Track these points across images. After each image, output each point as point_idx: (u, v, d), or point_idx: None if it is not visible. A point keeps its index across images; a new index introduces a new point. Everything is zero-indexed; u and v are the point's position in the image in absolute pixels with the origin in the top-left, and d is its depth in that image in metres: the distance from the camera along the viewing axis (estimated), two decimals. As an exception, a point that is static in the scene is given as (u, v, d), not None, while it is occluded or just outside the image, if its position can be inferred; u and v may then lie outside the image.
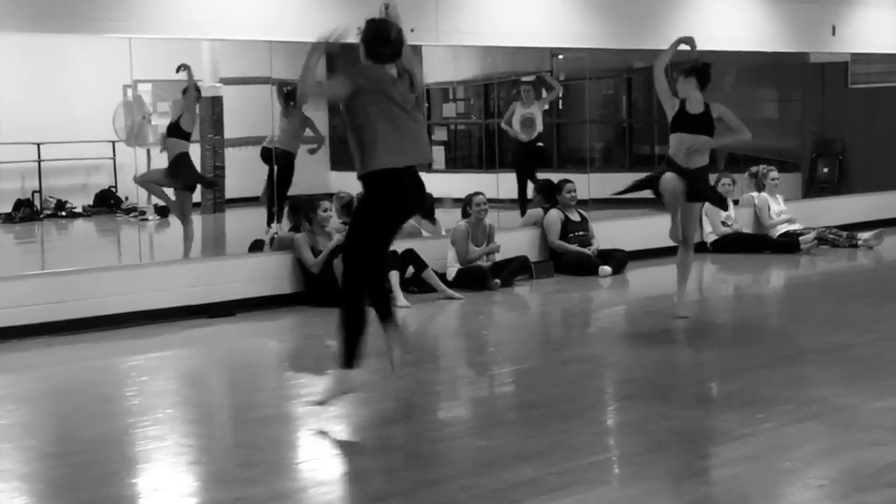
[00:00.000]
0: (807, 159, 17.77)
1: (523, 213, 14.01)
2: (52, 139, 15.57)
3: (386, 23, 6.83)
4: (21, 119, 15.10)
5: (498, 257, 12.11)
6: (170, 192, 12.43)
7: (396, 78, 6.79)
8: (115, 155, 15.96)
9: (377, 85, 6.73)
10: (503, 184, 14.24)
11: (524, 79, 15.28)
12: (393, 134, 6.69)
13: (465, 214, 12.05)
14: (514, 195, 14.49)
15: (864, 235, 14.53)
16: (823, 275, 13.11)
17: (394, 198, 6.73)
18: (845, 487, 5.44)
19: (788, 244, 14.01)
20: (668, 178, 9.47)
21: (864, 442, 6.10)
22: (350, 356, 6.80)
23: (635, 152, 17.99)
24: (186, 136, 12.25)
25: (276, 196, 12.98)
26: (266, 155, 13.19)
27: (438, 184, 15.78)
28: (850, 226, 15.17)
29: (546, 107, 15.47)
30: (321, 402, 6.85)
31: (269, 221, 12.88)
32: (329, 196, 12.00)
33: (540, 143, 14.90)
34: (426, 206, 12.54)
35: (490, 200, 12.31)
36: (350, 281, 6.83)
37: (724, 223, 14.20)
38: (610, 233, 13.35)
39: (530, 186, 14.47)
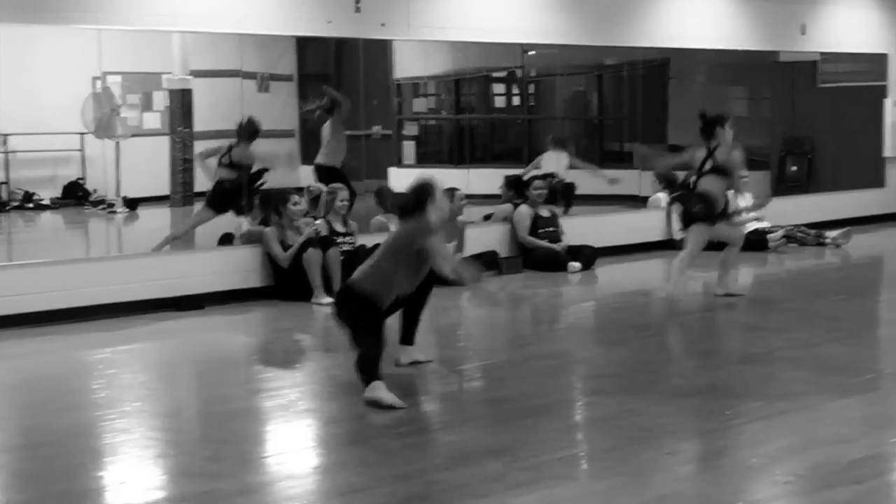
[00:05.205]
0: (776, 157, 17.85)
1: None
2: (20, 130, 15.49)
3: None
4: (-11, 110, 15.02)
5: (467, 252, 12.10)
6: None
7: None
8: (83, 147, 15.89)
9: None
10: (473, 179, 14.25)
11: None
12: None
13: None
14: (484, 191, 14.46)
15: (831, 234, 14.61)
16: (791, 273, 13.17)
17: None
18: (812, 484, 5.47)
19: (756, 242, 14.04)
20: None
21: (830, 439, 6.14)
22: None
23: (606, 148, 18.03)
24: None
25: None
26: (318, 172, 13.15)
27: (409, 179, 15.81)
28: (818, 224, 15.24)
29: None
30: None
31: None
32: (299, 190, 11.97)
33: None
34: (391, 201, 12.54)
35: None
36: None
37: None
38: (579, 229, 13.37)
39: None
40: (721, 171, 10.25)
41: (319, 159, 13.30)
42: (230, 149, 12.09)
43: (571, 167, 14.94)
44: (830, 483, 5.42)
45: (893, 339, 9.52)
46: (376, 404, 6.84)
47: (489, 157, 17.70)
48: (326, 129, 13.58)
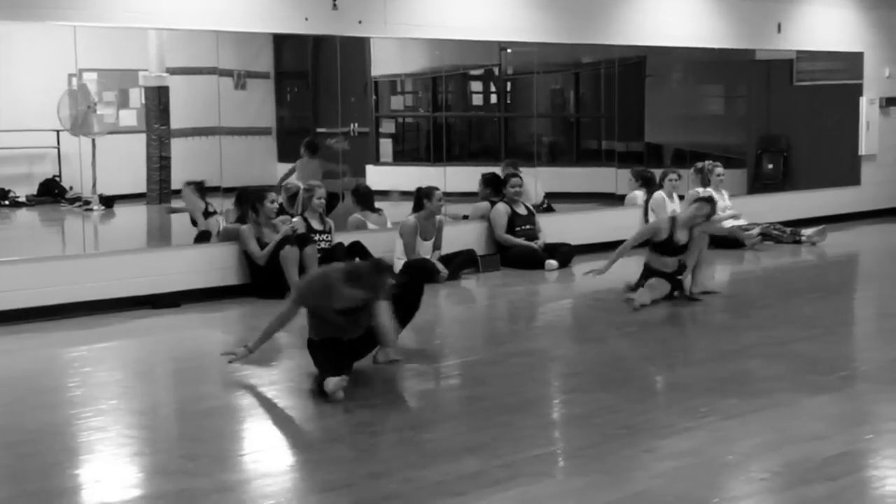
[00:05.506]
0: (752, 155, 17.89)
1: None
2: (-6, 127, 15.39)
3: None
4: (-37, 107, 14.92)
5: (445, 250, 12.11)
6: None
7: None
8: (59, 144, 15.80)
9: None
10: (450, 177, 14.23)
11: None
12: None
13: (417, 208, 12.01)
14: (461, 188, 14.46)
15: (807, 232, 14.67)
16: (767, 270, 13.22)
17: None
18: (787, 481, 5.49)
19: (733, 240, 14.10)
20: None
21: (805, 436, 6.17)
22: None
23: (583, 147, 18.03)
24: None
25: None
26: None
27: (386, 177, 15.80)
28: (793, 222, 15.31)
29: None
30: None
31: None
32: (276, 188, 11.96)
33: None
34: (366, 197, 12.55)
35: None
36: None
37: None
38: (556, 227, 13.39)
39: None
40: (656, 246, 10.49)
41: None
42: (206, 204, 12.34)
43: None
44: (806, 479, 5.45)
45: (868, 337, 9.57)
46: (336, 394, 6.93)
47: (466, 154, 17.67)
48: (307, 166, 13.55)
